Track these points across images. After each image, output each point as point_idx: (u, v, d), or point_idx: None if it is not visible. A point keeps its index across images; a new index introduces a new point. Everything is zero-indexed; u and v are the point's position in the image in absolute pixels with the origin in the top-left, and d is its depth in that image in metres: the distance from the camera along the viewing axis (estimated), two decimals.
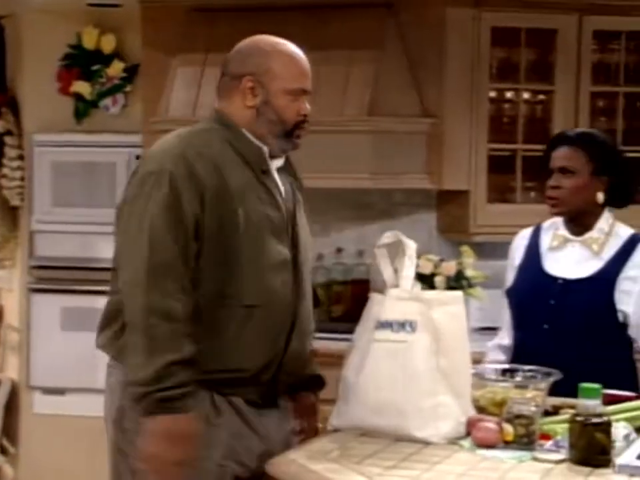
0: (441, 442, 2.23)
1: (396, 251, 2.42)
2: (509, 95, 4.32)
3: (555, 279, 2.76)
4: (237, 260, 2.23)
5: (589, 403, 2.11)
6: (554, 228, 2.83)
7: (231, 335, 2.24)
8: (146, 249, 2.18)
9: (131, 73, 4.58)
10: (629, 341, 2.76)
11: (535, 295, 2.77)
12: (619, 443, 2.13)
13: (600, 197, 2.74)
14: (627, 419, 2.26)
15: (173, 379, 2.14)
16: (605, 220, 2.77)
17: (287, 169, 2.41)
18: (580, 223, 2.77)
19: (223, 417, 2.28)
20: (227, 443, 2.28)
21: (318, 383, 2.48)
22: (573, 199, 2.72)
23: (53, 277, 4.51)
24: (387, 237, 2.43)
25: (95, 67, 4.58)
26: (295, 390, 2.45)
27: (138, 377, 2.16)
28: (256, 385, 2.29)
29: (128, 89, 4.60)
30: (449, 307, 2.35)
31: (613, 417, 2.15)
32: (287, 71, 2.30)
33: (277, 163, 2.37)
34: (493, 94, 4.24)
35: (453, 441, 2.24)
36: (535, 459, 2.12)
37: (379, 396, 2.28)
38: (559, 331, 2.70)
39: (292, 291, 2.31)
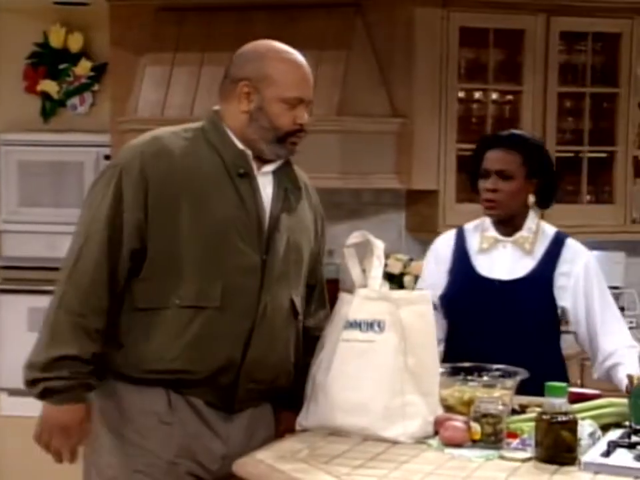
0: (408, 441, 2.24)
1: (364, 250, 2.43)
2: (477, 95, 4.35)
3: (490, 281, 2.77)
4: (182, 260, 2.23)
5: (555, 402, 2.12)
6: (480, 230, 2.84)
7: (175, 336, 2.23)
8: (80, 243, 2.25)
9: (99, 72, 4.56)
10: (559, 335, 2.82)
11: (472, 298, 2.76)
12: (584, 441, 2.14)
13: (531, 199, 2.78)
14: (592, 417, 2.27)
15: (59, 371, 2.19)
16: (532, 219, 2.81)
17: (288, 174, 2.39)
18: (510, 223, 2.80)
19: (177, 415, 2.27)
20: (181, 442, 2.28)
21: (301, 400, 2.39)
22: (511, 202, 2.76)
23: (20, 278, 4.47)
24: (355, 237, 2.44)
25: (62, 66, 4.56)
26: (282, 405, 2.43)
27: (30, 362, 2.24)
28: (213, 387, 2.27)
29: (96, 88, 4.58)
30: (416, 307, 2.35)
31: (578, 415, 2.17)
32: (284, 79, 2.28)
33: (268, 168, 2.35)
34: (461, 94, 4.27)
35: (421, 440, 2.25)
36: (502, 458, 2.13)
37: (347, 396, 2.28)
38: (501, 331, 2.71)
39: (255, 295, 2.28)
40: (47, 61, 4.57)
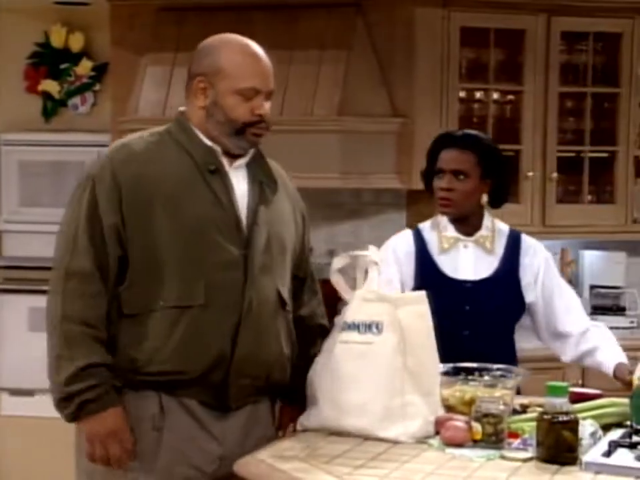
0: (409, 441, 2.24)
1: (357, 262, 2.41)
2: (478, 95, 4.34)
3: (457, 282, 2.76)
4: (163, 262, 2.24)
5: (557, 401, 2.12)
6: (437, 230, 2.83)
7: (163, 337, 2.24)
8: (68, 256, 2.25)
9: (100, 71, 4.56)
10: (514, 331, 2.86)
11: (441, 300, 2.62)
12: (585, 441, 2.15)
13: (484, 198, 2.79)
14: (593, 417, 2.28)
15: (88, 381, 2.20)
16: (487, 218, 2.83)
17: (262, 167, 2.39)
18: (468, 223, 2.81)
19: (170, 419, 2.27)
20: (176, 447, 2.27)
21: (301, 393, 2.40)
22: (465, 202, 2.77)
23: (21, 277, 4.47)
24: (339, 261, 2.42)
25: (63, 66, 4.56)
26: (283, 399, 2.44)
27: (57, 381, 2.22)
28: (205, 386, 2.27)
29: (97, 87, 4.58)
30: (414, 307, 2.35)
31: (579, 415, 2.17)
32: (236, 71, 2.28)
33: (239, 162, 2.35)
34: (462, 94, 4.26)
35: (422, 440, 2.25)
36: (503, 457, 2.13)
37: (347, 397, 2.28)
38: (470, 331, 2.71)
39: (239, 290, 2.28)
40: (48, 60, 4.57)
